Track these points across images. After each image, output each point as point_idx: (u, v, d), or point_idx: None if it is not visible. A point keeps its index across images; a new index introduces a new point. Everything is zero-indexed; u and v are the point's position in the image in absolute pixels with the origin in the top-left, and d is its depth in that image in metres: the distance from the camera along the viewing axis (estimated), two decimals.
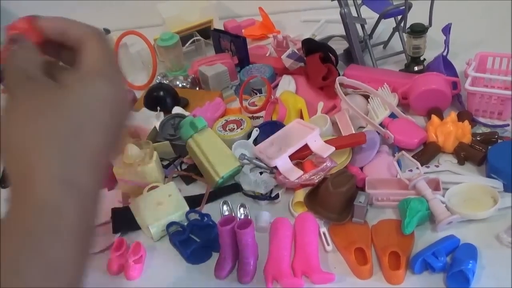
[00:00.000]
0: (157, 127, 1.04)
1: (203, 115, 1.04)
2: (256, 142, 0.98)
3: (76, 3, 1.69)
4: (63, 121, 0.34)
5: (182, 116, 1.05)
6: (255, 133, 0.99)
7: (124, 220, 0.88)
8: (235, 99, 1.19)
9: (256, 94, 1.16)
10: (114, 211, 0.89)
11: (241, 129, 1.01)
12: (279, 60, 1.23)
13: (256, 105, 1.10)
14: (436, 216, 0.78)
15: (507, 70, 1.05)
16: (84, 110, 0.35)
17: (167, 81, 1.27)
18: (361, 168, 0.90)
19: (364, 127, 1.00)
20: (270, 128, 1.00)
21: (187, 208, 0.87)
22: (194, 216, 0.86)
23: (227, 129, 1.02)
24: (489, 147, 0.88)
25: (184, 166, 1.01)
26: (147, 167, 0.91)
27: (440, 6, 1.16)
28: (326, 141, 0.89)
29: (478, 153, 0.89)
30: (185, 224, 0.85)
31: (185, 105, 1.16)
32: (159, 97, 1.14)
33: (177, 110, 1.10)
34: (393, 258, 0.74)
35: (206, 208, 0.90)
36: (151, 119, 1.09)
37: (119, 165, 0.93)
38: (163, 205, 0.87)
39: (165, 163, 1.01)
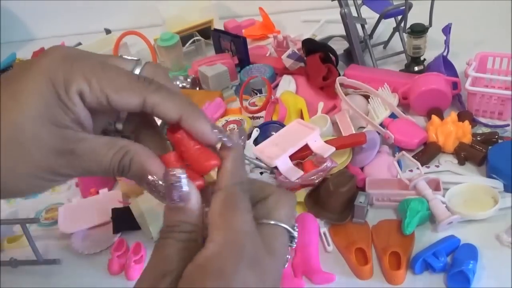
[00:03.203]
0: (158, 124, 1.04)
1: None
2: (256, 142, 0.98)
3: (76, 3, 1.69)
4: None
5: None
6: (256, 133, 0.99)
7: (124, 220, 0.88)
8: (235, 99, 1.19)
9: (256, 94, 1.16)
10: (114, 211, 0.89)
11: None
12: (279, 60, 1.23)
13: (256, 105, 1.10)
14: (437, 217, 0.78)
15: (507, 70, 1.05)
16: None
17: None
18: (362, 168, 0.90)
19: (364, 127, 1.00)
20: (270, 128, 1.00)
21: None
22: None
23: (227, 129, 1.02)
24: (490, 147, 0.88)
25: None
26: None
27: (440, 6, 1.16)
28: (326, 141, 0.89)
29: (479, 153, 0.89)
30: None
31: None
32: None
33: None
34: (394, 258, 0.74)
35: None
36: None
37: None
38: (164, 205, 0.87)
39: None
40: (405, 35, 1.16)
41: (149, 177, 0.39)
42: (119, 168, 0.40)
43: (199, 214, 0.37)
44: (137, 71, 0.42)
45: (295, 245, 0.39)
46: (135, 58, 0.44)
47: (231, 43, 1.29)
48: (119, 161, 0.39)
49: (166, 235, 0.36)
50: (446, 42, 1.13)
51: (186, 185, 0.36)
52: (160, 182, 0.39)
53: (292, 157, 0.89)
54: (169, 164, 0.41)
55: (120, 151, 0.39)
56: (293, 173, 0.86)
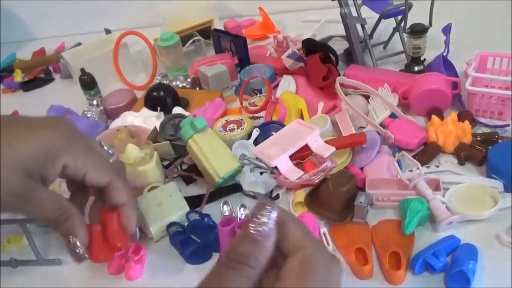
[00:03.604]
0: (157, 127, 1.04)
1: (203, 115, 1.04)
2: (256, 142, 0.98)
3: (76, 3, 1.69)
4: None
5: (182, 116, 1.05)
6: (256, 133, 0.99)
7: None
8: (235, 99, 1.19)
9: (256, 94, 1.16)
10: None
11: (241, 129, 1.01)
12: (279, 60, 1.23)
13: (256, 105, 1.10)
14: (437, 217, 0.78)
15: (507, 70, 1.05)
16: None
17: (167, 81, 1.27)
18: (361, 168, 0.90)
19: (364, 127, 1.00)
20: (270, 128, 1.00)
21: (187, 208, 0.87)
22: (194, 216, 0.86)
23: (227, 129, 1.02)
24: (490, 147, 0.88)
25: (184, 166, 1.01)
26: (148, 167, 0.91)
27: (440, 6, 1.16)
28: (326, 141, 0.89)
29: (479, 153, 0.89)
30: (186, 224, 0.85)
31: (185, 105, 1.16)
32: (159, 97, 1.14)
33: (177, 110, 1.10)
34: (394, 258, 0.74)
35: (207, 208, 0.90)
36: (151, 119, 1.09)
37: None
38: (164, 205, 0.87)
39: (166, 163, 1.01)
40: (405, 35, 1.16)
41: (72, 238, 0.52)
42: (55, 221, 0.52)
43: (268, 259, 0.37)
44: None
45: None
46: (111, 152, 0.71)
47: (231, 43, 1.29)
48: (57, 217, 0.52)
49: (232, 264, 0.36)
50: (446, 42, 1.13)
51: (273, 224, 0.36)
52: (79, 245, 0.53)
53: (292, 157, 0.89)
54: (92, 233, 0.56)
55: (61, 210, 0.52)
56: (293, 173, 0.86)
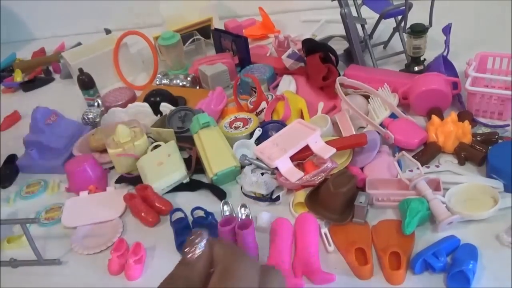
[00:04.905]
0: (161, 116, 1.08)
1: (208, 107, 1.07)
2: (258, 142, 0.98)
3: (76, 3, 1.69)
4: None
5: (188, 109, 1.07)
6: (258, 133, 0.99)
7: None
8: None
9: (256, 93, 1.16)
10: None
11: (246, 128, 1.01)
12: (279, 60, 1.23)
13: None
14: (437, 217, 0.78)
15: (507, 70, 1.05)
16: None
17: (168, 80, 1.27)
18: (362, 169, 0.90)
19: (364, 127, 1.00)
20: (270, 127, 1.00)
21: (184, 168, 0.95)
22: (199, 213, 0.87)
23: (233, 126, 1.02)
24: (490, 147, 0.88)
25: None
26: (142, 141, 1.00)
27: (440, 6, 1.16)
28: (327, 142, 0.89)
29: (479, 153, 0.89)
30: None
31: (183, 104, 1.17)
32: (157, 103, 1.14)
33: (164, 106, 1.11)
34: (394, 258, 0.74)
35: (211, 207, 0.90)
36: (141, 113, 1.11)
37: (114, 147, 0.99)
38: (164, 164, 0.95)
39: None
40: (405, 35, 1.16)
41: None
42: None
43: (201, 277, 0.42)
44: None
45: None
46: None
47: (233, 42, 1.29)
48: None
49: (168, 284, 0.42)
50: (446, 42, 1.13)
51: (203, 247, 0.42)
52: None
53: (292, 158, 0.89)
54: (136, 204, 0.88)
55: None
56: (293, 175, 0.86)
